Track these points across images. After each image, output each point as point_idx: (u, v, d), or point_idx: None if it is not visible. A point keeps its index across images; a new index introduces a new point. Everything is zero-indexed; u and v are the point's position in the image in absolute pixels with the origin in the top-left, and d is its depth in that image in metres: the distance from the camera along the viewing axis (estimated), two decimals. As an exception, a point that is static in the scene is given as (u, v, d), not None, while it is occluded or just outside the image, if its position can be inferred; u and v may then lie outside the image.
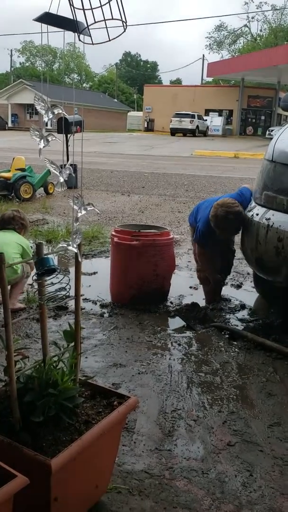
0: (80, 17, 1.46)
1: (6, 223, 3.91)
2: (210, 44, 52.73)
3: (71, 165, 1.70)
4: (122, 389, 2.69)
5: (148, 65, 77.36)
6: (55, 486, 1.53)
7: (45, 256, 1.75)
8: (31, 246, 5.51)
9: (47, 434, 1.66)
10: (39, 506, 1.59)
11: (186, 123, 34.36)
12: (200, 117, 35.66)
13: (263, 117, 40.03)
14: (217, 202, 3.64)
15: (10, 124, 42.46)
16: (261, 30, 53.48)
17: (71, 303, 3.66)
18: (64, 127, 8.61)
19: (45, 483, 1.51)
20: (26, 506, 1.49)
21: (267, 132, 33.05)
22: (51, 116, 1.52)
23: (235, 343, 3.40)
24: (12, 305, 3.74)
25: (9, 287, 3.19)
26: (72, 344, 1.90)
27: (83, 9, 1.39)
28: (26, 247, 3.81)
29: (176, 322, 3.76)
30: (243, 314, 4.00)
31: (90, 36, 1.48)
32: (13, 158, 9.81)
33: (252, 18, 51.86)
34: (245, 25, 52.01)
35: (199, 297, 4.27)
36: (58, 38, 1.73)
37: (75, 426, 1.73)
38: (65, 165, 1.68)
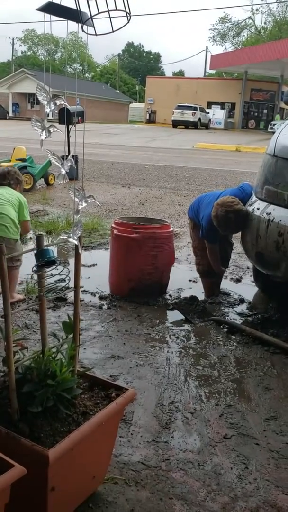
0: (83, 7, 1.44)
1: (1, 178, 3.92)
2: (213, 36, 52.28)
3: (72, 156, 1.70)
4: (120, 381, 2.70)
5: (151, 56, 76.78)
6: (52, 476, 1.55)
7: (45, 248, 1.75)
8: (30, 237, 5.48)
9: (45, 425, 1.67)
10: (36, 495, 1.60)
11: (188, 116, 34.21)
12: (202, 110, 35.49)
13: (265, 111, 39.86)
14: (217, 202, 3.65)
15: (11, 114, 42.21)
16: (265, 23, 53.06)
17: (70, 295, 3.67)
18: (66, 117, 8.56)
19: (42, 473, 1.52)
20: (23, 495, 1.50)
21: (269, 126, 32.94)
22: (53, 107, 1.51)
23: (233, 337, 3.41)
24: (11, 298, 3.74)
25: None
26: (71, 335, 1.90)
27: (87, 0, 1.38)
28: (23, 202, 3.82)
29: (174, 315, 3.77)
30: (242, 308, 4.01)
31: (93, 27, 1.46)
32: (14, 148, 9.76)
33: (257, 10, 51.09)
34: (250, 17, 51.59)
35: (198, 291, 4.28)
36: (61, 27, 1.72)
37: (73, 417, 1.74)
38: (66, 156, 1.67)
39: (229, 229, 3.74)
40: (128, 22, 1.44)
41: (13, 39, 59.14)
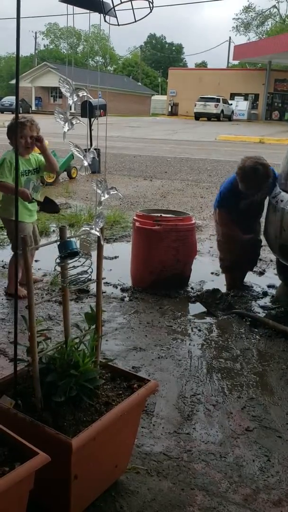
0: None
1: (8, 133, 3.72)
2: (237, 26, 51.41)
3: (95, 149, 1.70)
4: (141, 372, 2.71)
5: (173, 48, 76.05)
6: (75, 465, 1.57)
7: (68, 240, 1.77)
8: (53, 230, 5.50)
9: (68, 414, 1.70)
10: (59, 483, 1.63)
11: (211, 107, 33.81)
12: (225, 101, 35.05)
13: (290, 102, 39.11)
14: (246, 155, 3.52)
15: (33, 108, 42.51)
16: (290, 11, 51.81)
17: (93, 287, 3.70)
18: (88, 111, 8.57)
19: (65, 461, 1.55)
20: (47, 483, 1.53)
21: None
22: (75, 99, 1.52)
23: (256, 330, 3.38)
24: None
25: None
26: (93, 326, 1.92)
27: (109, -10, 1.37)
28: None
29: (196, 308, 3.76)
30: (265, 301, 3.97)
31: (116, 17, 1.46)
32: (37, 142, 9.82)
33: (282, -2, 49.98)
34: (274, 6, 50.54)
35: (220, 283, 4.25)
36: (83, 20, 1.72)
37: (96, 407, 1.76)
38: (89, 149, 1.68)
39: (252, 183, 3.53)
40: (151, 11, 1.43)
41: (35, 33, 59.34)
